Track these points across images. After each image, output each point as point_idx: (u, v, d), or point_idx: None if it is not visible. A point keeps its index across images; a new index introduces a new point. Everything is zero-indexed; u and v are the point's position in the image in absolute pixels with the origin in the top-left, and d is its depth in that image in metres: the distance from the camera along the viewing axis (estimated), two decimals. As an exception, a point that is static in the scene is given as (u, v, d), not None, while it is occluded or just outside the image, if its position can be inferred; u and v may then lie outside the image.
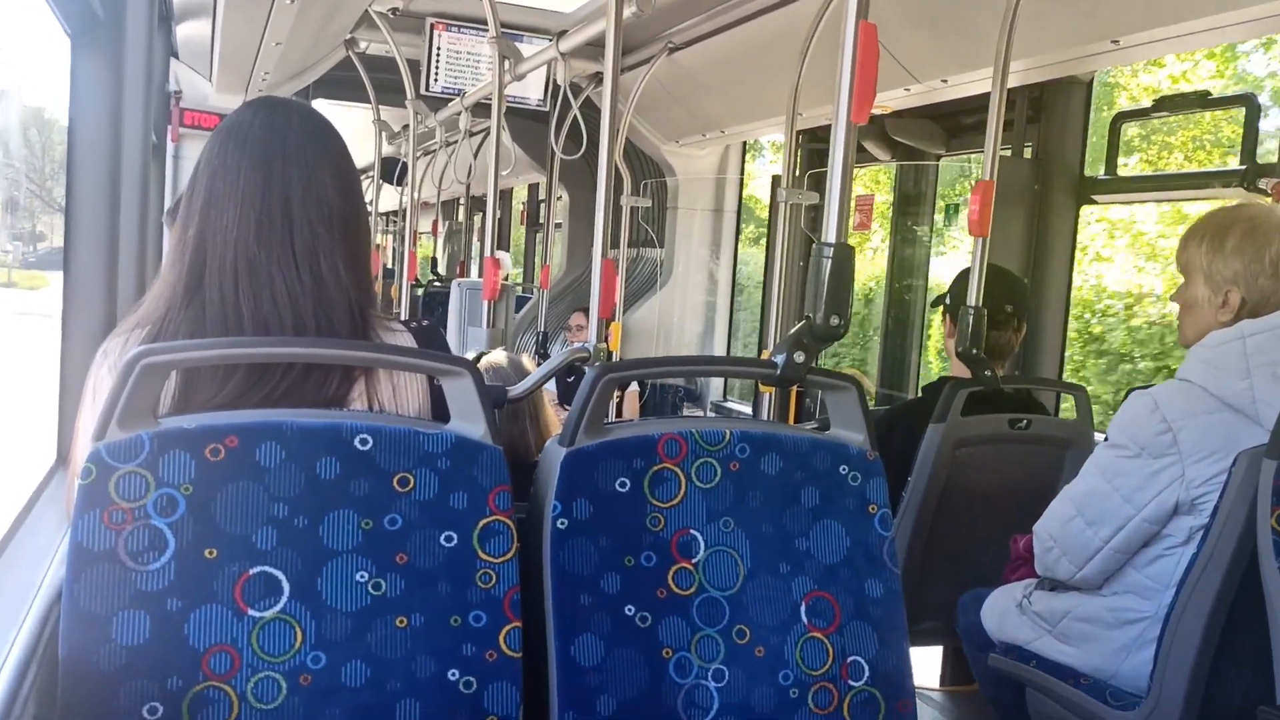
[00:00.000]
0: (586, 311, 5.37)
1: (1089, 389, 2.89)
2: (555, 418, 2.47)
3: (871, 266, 6.23)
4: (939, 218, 4.85)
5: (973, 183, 2.79)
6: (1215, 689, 1.85)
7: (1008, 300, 2.79)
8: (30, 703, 1.23)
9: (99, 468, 1.26)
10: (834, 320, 1.63)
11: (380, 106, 5.65)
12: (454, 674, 1.36)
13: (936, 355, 5.22)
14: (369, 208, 7.37)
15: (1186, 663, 1.84)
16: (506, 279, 3.44)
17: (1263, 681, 1.77)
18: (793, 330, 1.63)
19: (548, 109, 5.01)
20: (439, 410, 1.48)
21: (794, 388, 1.71)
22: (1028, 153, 3.81)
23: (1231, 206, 2.05)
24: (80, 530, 1.25)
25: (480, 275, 3.62)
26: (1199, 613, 1.83)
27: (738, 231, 6.17)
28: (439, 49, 4.69)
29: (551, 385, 2.47)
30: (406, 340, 1.55)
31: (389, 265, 9.63)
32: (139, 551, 1.26)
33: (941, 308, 2.92)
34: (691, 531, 1.51)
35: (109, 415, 1.26)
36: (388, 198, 9.76)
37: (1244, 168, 3.07)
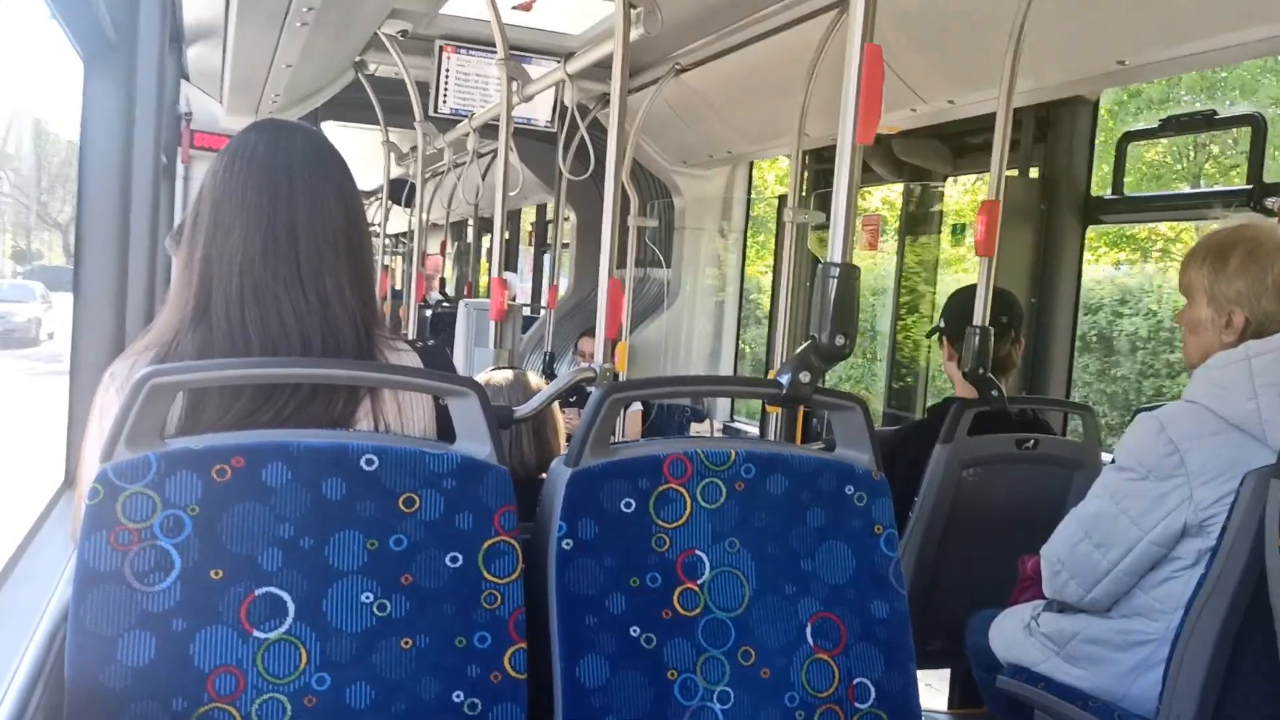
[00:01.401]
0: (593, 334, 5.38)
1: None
2: (562, 429, 2.48)
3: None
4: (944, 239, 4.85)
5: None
6: (1224, 711, 1.84)
7: (1001, 312, 2.79)
8: None
9: (106, 488, 1.26)
10: (840, 340, 1.63)
11: (389, 128, 5.68)
12: (459, 695, 1.35)
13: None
14: (377, 229, 7.41)
15: (1195, 685, 1.83)
16: (514, 299, 3.45)
17: (1272, 704, 1.76)
18: (798, 350, 1.63)
19: (555, 130, 5.04)
20: (445, 430, 1.49)
21: (800, 408, 1.71)
22: (1034, 173, 3.81)
23: (1233, 227, 2.05)
24: (87, 551, 1.25)
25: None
26: (1207, 634, 1.82)
27: (744, 251, 6.18)
28: (448, 71, 4.72)
29: (555, 406, 2.47)
30: (412, 360, 1.56)
31: (397, 287, 9.65)
32: (145, 572, 1.26)
33: (939, 334, 2.92)
34: (697, 552, 1.51)
35: (116, 436, 1.27)
36: (396, 219, 9.79)
37: (1250, 187, 3.07)
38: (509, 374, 2.57)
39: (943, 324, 2.90)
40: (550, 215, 8.38)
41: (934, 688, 3.24)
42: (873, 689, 1.54)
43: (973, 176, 5.24)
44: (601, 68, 3.87)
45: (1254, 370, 1.90)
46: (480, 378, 2.53)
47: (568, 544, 1.45)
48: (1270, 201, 2.97)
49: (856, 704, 1.53)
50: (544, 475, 2.39)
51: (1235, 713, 1.84)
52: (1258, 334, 1.96)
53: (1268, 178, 3.05)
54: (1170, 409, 1.97)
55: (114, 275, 2.29)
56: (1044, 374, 3.72)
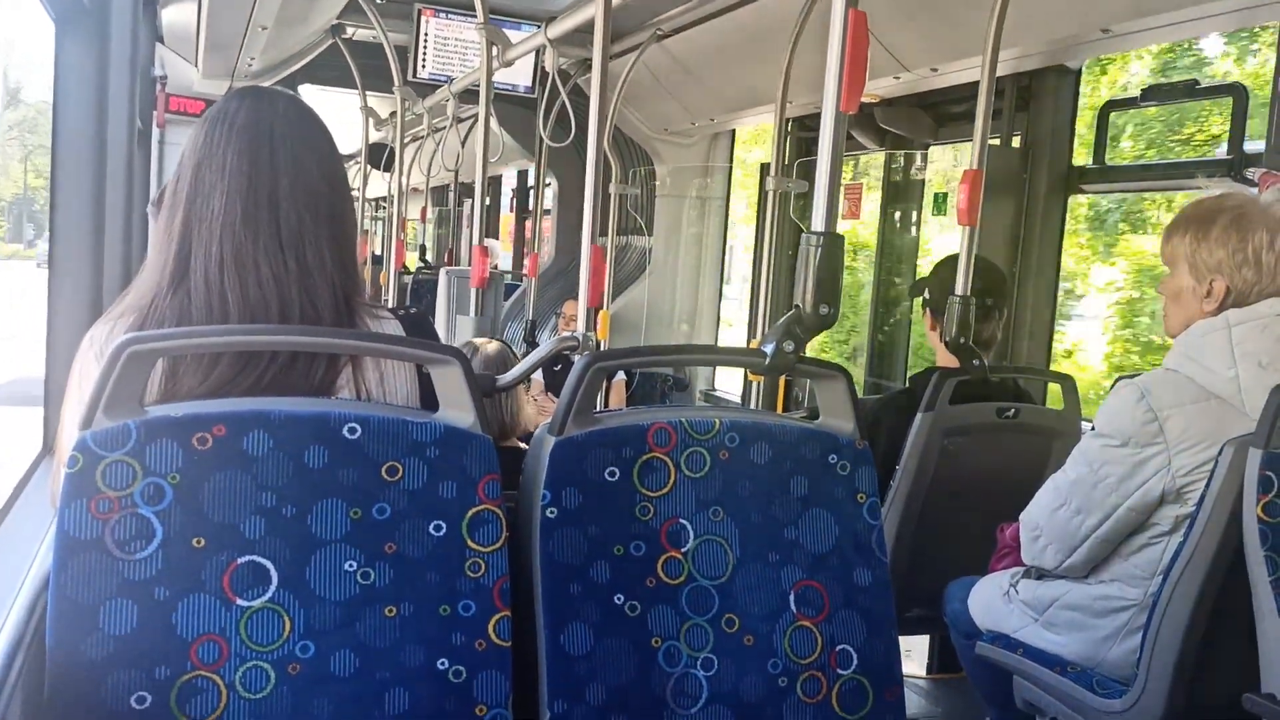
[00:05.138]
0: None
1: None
2: (530, 406, 2.48)
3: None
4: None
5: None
6: (1201, 676, 1.86)
7: (987, 293, 2.79)
8: (17, 692, 1.22)
9: (85, 456, 1.25)
10: (823, 309, 1.63)
11: (367, 93, 5.63)
12: (443, 663, 1.35)
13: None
14: (356, 194, 7.35)
15: (1172, 650, 1.85)
16: (496, 266, 3.43)
17: (1248, 669, 1.79)
18: (782, 319, 1.63)
19: (536, 95, 4.99)
20: (428, 398, 1.48)
21: (783, 377, 1.71)
22: (1016, 141, 3.80)
23: (1215, 196, 2.05)
24: (67, 519, 1.24)
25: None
26: (1185, 601, 1.84)
27: (726, 220, 6.16)
28: (427, 35, 4.67)
29: (538, 374, 2.47)
30: (394, 328, 1.55)
31: (377, 252, 9.60)
32: (126, 540, 1.25)
33: (921, 301, 2.92)
34: (681, 520, 1.51)
35: (95, 404, 1.26)
36: (376, 183, 9.71)
37: (1231, 158, 3.08)
38: (495, 346, 2.56)
39: (927, 294, 2.90)
40: (531, 182, 8.34)
41: (912, 654, 3.27)
42: (855, 655, 1.55)
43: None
44: (583, 33, 3.84)
45: (1234, 339, 1.91)
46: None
47: (552, 513, 1.45)
48: (1250, 172, 2.98)
49: (839, 670, 1.54)
50: (514, 443, 2.40)
51: (1211, 678, 1.86)
52: (1238, 303, 1.97)
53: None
54: (1150, 377, 1.98)
55: (89, 240, 2.26)
56: (1024, 344, 3.74)
